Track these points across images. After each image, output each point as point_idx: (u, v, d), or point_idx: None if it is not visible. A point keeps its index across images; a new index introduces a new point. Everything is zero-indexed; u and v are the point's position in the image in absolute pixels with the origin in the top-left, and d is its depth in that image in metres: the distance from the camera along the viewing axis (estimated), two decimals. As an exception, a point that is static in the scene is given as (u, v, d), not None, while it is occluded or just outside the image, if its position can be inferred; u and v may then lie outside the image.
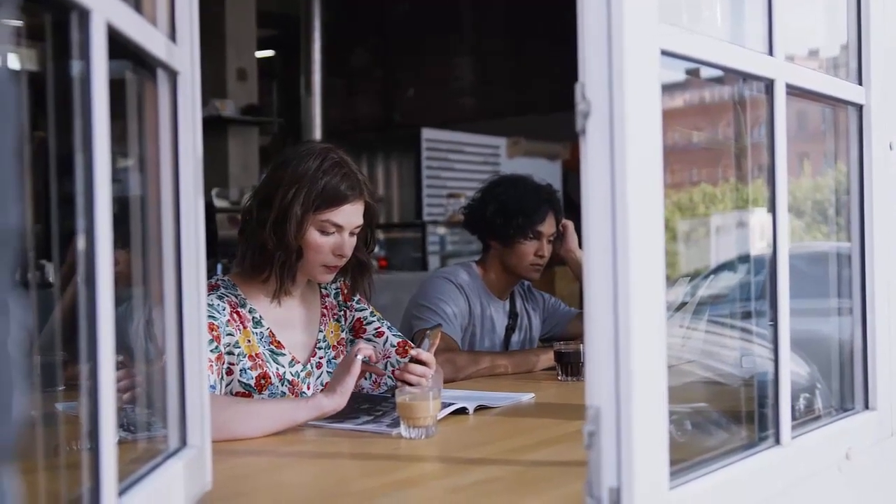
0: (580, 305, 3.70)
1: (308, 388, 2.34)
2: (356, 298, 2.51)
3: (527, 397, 2.43)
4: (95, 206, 1.03)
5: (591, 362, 1.22)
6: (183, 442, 1.41)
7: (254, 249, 2.27)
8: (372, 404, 2.19)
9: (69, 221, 1.08)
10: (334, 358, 2.43)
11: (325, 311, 2.46)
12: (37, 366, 1.42)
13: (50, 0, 0.97)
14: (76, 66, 1.04)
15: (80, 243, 1.03)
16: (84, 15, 1.02)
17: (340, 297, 2.50)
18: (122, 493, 1.12)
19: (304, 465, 1.81)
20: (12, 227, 0.60)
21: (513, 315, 3.23)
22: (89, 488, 1.04)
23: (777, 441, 1.58)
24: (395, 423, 1.96)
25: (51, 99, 1.10)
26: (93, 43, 1.03)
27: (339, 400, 2.03)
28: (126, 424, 1.44)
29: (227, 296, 2.27)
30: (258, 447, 1.91)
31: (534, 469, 1.71)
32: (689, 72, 1.56)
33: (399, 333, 2.51)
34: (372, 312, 2.52)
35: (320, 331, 2.43)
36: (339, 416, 2.08)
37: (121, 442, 1.10)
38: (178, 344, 1.41)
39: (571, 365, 2.73)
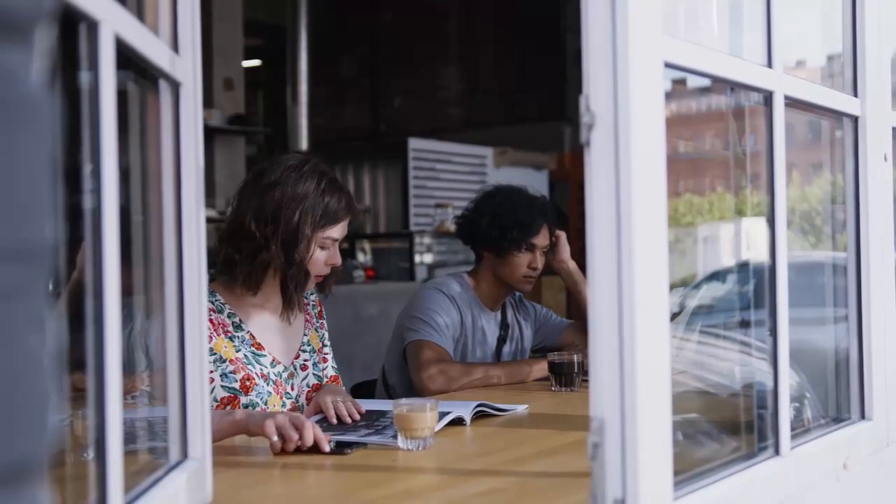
0: (568, 316, 3.70)
1: (292, 389, 2.41)
2: (325, 317, 2.61)
3: (521, 408, 2.43)
4: (103, 216, 1.03)
5: (596, 373, 1.22)
6: (184, 454, 1.40)
7: (257, 268, 2.32)
8: (370, 420, 2.18)
9: (65, 230, 1.08)
10: (318, 362, 2.51)
11: (307, 317, 2.53)
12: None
13: (58, 10, 0.96)
14: (84, 77, 1.03)
15: (88, 253, 1.03)
16: (93, 26, 1.01)
17: (317, 310, 2.59)
18: (127, 505, 1.11)
19: (303, 478, 1.81)
20: (48, 240, 0.60)
21: (504, 326, 3.23)
22: (95, 500, 1.03)
23: (777, 451, 1.58)
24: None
25: (57, 109, 1.09)
26: (101, 54, 1.02)
27: (248, 423, 1.97)
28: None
29: None
30: (258, 460, 1.91)
31: (534, 480, 1.71)
32: (675, 81, 1.56)
33: (336, 366, 2.61)
34: (328, 336, 2.62)
35: (305, 334, 2.50)
36: (341, 430, 2.08)
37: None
38: (180, 356, 1.40)
39: (565, 375, 2.73)
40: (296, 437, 1.88)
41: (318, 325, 2.57)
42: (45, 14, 0.63)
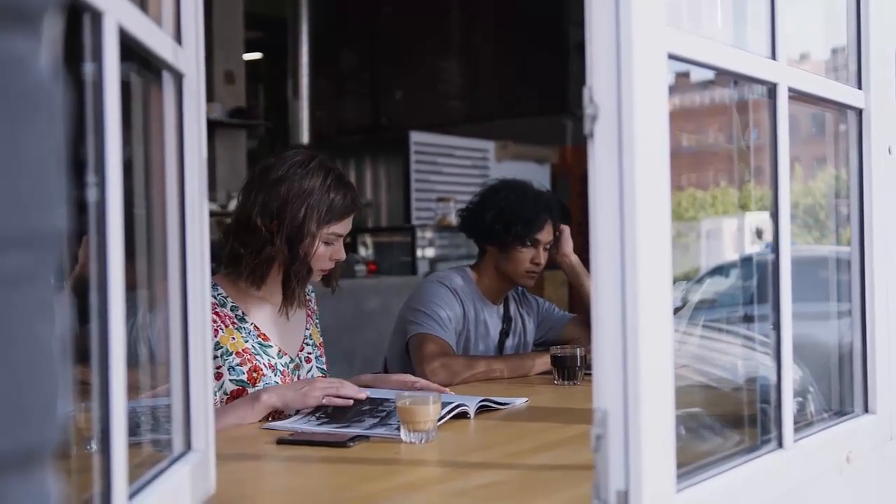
0: (570, 310, 3.70)
1: (298, 380, 2.43)
2: (318, 317, 2.64)
3: (521, 401, 2.43)
4: (107, 208, 1.03)
5: (599, 365, 1.22)
6: (188, 446, 1.40)
7: (262, 262, 2.34)
8: (374, 405, 2.18)
9: (73, 223, 1.08)
10: (320, 356, 2.55)
11: (309, 312, 2.57)
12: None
13: (62, 1, 0.96)
14: (88, 68, 1.03)
15: (92, 246, 1.02)
16: (97, 17, 1.01)
17: (314, 308, 2.62)
18: (131, 496, 1.11)
19: (306, 470, 1.81)
20: (57, 229, 0.61)
21: (507, 319, 3.23)
22: (100, 492, 1.03)
23: (780, 444, 1.58)
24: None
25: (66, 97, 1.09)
26: (105, 45, 1.02)
27: (279, 399, 2.15)
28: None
29: None
30: (260, 452, 1.91)
31: (536, 473, 1.71)
32: (678, 74, 1.56)
33: (324, 367, 2.59)
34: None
35: (307, 328, 2.54)
36: (345, 420, 2.08)
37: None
38: (183, 347, 1.40)
39: (568, 369, 2.73)
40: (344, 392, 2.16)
41: (316, 321, 2.61)
42: (53, 2, 0.63)
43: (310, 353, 2.51)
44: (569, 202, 7.52)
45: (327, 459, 1.84)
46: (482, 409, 2.27)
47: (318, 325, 2.61)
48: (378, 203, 8.59)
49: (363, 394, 2.20)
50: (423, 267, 7.36)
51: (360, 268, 6.73)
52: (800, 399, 1.89)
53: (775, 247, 1.60)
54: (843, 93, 1.86)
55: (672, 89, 1.58)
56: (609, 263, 1.22)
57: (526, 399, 2.45)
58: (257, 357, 2.33)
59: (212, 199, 7.08)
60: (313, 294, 2.61)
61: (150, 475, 1.23)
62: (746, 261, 2.10)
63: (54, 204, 0.61)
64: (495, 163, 8.49)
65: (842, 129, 1.97)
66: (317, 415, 2.14)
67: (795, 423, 1.64)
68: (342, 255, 2.44)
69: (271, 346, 2.39)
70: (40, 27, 0.61)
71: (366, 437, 1.96)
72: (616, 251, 1.21)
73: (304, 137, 8.99)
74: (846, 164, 1.94)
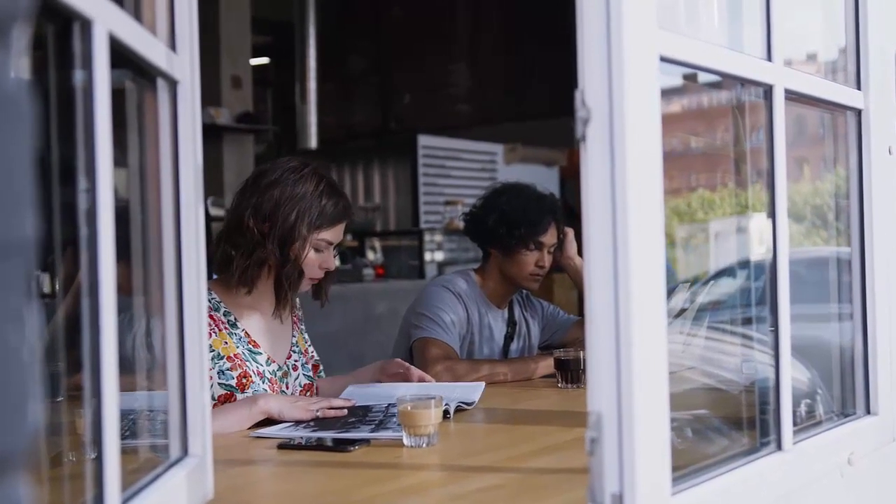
0: (578, 313, 3.69)
1: (287, 388, 2.46)
2: (303, 321, 2.65)
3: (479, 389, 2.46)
4: (98, 215, 1.03)
5: (593, 368, 1.22)
6: (184, 451, 1.41)
7: (253, 264, 2.36)
8: (358, 417, 2.19)
9: (67, 230, 1.08)
10: (305, 363, 2.55)
11: (295, 320, 2.58)
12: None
13: (52, 9, 0.97)
14: (78, 76, 1.04)
15: (83, 252, 1.03)
16: (86, 25, 1.02)
17: (301, 313, 2.64)
18: (125, 502, 1.12)
19: (305, 475, 1.81)
20: (28, 235, 0.61)
21: (511, 323, 3.23)
22: (93, 497, 1.04)
23: (779, 446, 1.58)
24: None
25: (52, 108, 1.09)
26: (95, 53, 1.03)
27: (276, 406, 2.17)
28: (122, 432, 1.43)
29: None
30: (260, 457, 1.91)
31: (536, 476, 1.71)
32: (685, 77, 1.56)
33: (310, 375, 2.58)
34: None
35: (293, 335, 2.55)
36: (335, 429, 2.07)
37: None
38: (180, 353, 1.40)
39: (571, 372, 2.72)
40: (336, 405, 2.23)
41: (301, 328, 2.62)
42: (22, 13, 0.64)
43: (296, 362, 2.52)
44: (577, 205, 7.51)
45: (328, 464, 1.84)
46: (460, 407, 2.31)
47: (304, 332, 2.62)
48: (386, 206, 8.58)
49: (351, 401, 2.30)
50: (431, 270, 7.35)
51: (368, 271, 6.73)
52: (808, 401, 1.89)
53: (773, 247, 1.60)
54: (841, 93, 1.85)
55: (679, 91, 1.58)
56: (602, 266, 1.22)
57: (482, 384, 2.50)
58: (247, 363, 2.35)
59: (219, 204, 7.08)
60: (299, 302, 2.63)
61: (145, 481, 1.24)
62: (754, 262, 2.09)
63: (25, 212, 0.61)
64: (504, 166, 8.47)
65: (843, 130, 1.97)
66: (307, 424, 2.15)
67: (801, 424, 1.63)
68: (332, 265, 2.46)
69: (261, 354, 2.41)
70: (9, 37, 0.61)
71: (367, 441, 1.96)
72: (609, 254, 1.22)
73: (313, 142, 9.00)
74: (847, 164, 1.94)
